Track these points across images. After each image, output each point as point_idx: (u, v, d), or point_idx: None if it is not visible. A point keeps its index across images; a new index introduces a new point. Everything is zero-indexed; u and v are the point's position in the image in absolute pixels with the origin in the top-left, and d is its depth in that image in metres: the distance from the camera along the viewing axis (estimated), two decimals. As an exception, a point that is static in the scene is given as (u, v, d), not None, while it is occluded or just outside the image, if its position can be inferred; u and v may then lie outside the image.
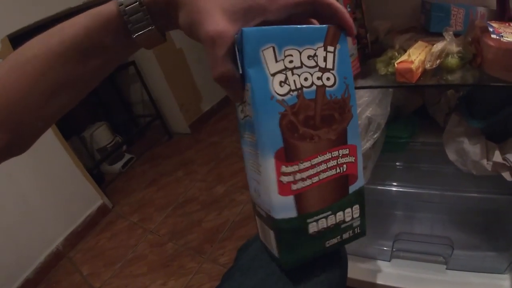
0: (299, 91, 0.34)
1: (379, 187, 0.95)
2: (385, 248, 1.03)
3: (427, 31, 0.89)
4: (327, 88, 0.35)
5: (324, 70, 0.35)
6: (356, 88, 0.78)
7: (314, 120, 0.35)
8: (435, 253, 0.97)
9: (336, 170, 0.38)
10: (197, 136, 2.85)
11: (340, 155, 0.38)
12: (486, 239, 1.02)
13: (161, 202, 2.15)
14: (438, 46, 0.74)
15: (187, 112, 2.89)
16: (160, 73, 2.67)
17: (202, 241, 1.71)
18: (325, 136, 0.36)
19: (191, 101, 2.93)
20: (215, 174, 2.25)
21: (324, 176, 0.37)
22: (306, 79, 0.34)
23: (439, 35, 0.88)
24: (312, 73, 0.34)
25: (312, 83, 0.35)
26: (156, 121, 2.95)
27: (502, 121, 0.85)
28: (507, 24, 0.77)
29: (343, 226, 0.40)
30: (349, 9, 0.77)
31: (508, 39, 0.63)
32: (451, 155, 0.90)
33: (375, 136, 0.80)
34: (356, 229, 0.42)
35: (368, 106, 0.79)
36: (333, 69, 0.35)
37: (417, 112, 1.07)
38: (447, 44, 0.74)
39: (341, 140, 0.37)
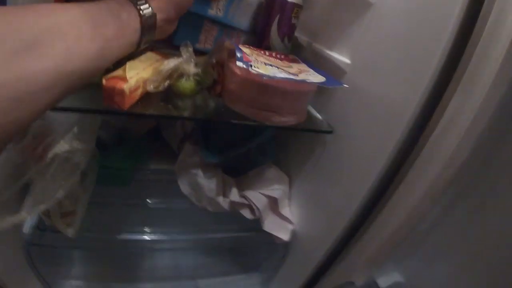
0: None
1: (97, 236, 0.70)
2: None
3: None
4: None
5: None
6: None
7: None
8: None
9: None
10: None
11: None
12: (234, 264, 0.98)
13: None
14: (171, 63, 0.54)
15: None
16: None
17: None
18: None
19: None
20: None
21: None
22: None
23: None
24: None
25: None
26: None
27: (240, 155, 0.75)
28: (262, 52, 0.65)
29: None
30: None
31: (258, 70, 0.49)
32: (185, 189, 0.75)
33: (72, 180, 0.54)
34: None
35: (61, 137, 0.51)
36: None
37: (149, 132, 0.86)
38: (183, 63, 0.55)
39: None
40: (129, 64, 0.51)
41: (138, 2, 0.43)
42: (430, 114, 0.47)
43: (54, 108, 0.49)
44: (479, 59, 0.41)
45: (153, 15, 0.44)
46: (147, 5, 0.44)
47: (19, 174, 0.52)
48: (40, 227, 0.65)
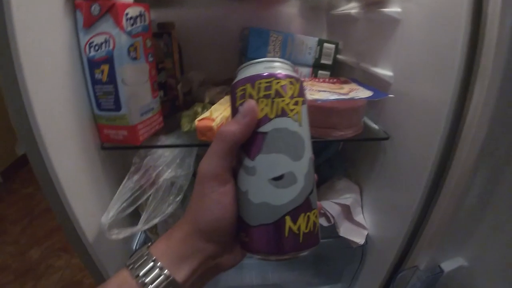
0: None
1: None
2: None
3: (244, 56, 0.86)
4: None
5: None
6: (153, 147, 0.68)
7: None
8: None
9: None
10: (10, 186, 2.33)
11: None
12: (317, 275, 1.05)
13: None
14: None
15: (-2, 156, 2.35)
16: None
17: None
18: None
19: (4, 143, 2.39)
20: (28, 235, 1.84)
21: None
22: None
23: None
24: None
25: None
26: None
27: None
28: (317, 80, 0.77)
29: None
30: (151, 59, 0.67)
31: (313, 97, 0.61)
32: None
33: (178, 199, 0.69)
34: None
35: (168, 167, 0.68)
36: None
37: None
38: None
39: None
40: (213, 107, 0.66)
41: (134, 267, 0.33)
42: (461, 107, 0.54)
43: (161, 146, 0.66)
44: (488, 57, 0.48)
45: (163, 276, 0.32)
46: (150, 264, 0.32)
47: (137, 197, 0.68)
48: (147, 242, 0.82)
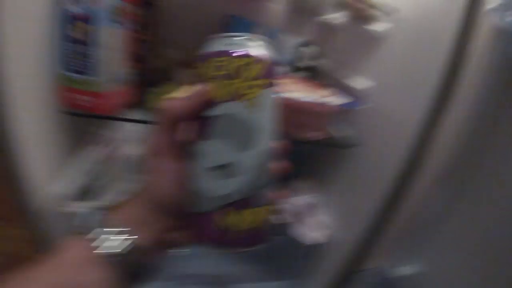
0: None
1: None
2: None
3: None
4: None
5: None
6: (118, 119, 0.65)
7: None
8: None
9: None
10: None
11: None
12: (266, 270, 1.04)
13: None
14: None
15: None
16: None
17: None
18: None
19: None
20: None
21: None
22: None
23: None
24: None
25: None
26: None
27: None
28: (294, 80, 0.77)
29: None
30: (131, 27, 0.65)
31: (287, 95, 0.63)
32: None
33: (137, 177, 0.67)
34: None
35: (131, 142, 0.66)
36: None
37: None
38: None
39: None
40: (184, 89, 0.66)
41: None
42: (432, 125, 0.57)
43: (126, 119, 0.65)
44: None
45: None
46: (109, 229, 0.31)
47: (94, 169, 0.66)
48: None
